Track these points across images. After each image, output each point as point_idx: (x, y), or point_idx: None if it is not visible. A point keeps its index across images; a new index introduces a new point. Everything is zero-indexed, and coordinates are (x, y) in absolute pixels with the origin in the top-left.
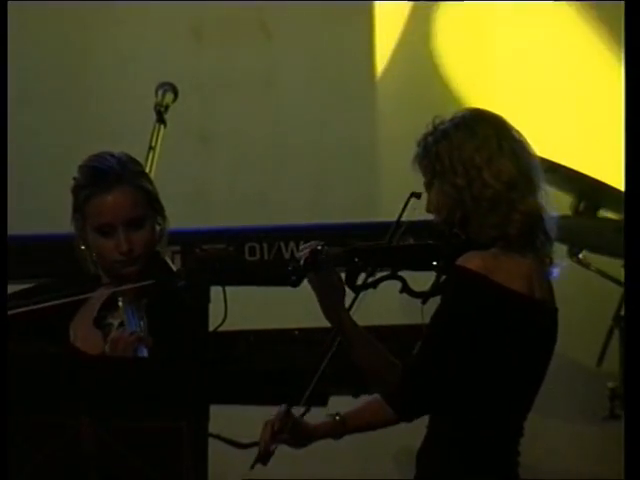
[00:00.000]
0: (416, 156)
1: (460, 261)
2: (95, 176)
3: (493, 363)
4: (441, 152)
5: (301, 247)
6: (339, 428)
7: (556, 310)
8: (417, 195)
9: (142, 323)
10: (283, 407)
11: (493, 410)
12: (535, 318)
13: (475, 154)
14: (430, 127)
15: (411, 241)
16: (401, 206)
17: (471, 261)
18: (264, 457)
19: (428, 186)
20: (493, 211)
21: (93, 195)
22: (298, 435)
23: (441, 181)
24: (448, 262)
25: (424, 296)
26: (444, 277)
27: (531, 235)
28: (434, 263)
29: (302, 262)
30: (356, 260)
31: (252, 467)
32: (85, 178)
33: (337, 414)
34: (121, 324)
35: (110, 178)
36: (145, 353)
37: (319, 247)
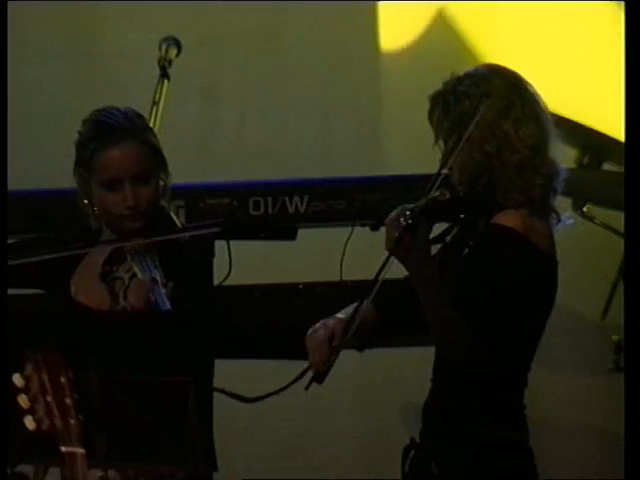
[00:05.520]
0: (432, 114)
1: (500, 220)
2: (102, 130)
3: (520, 319)
4: (465, 116)
5: (392, 216)
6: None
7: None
8: (487, 94)
9: (158, 270)
10: (336, 319)
11: (512, 363)
12: (555, 276)
13: (502, 119)
14: (447, 85)
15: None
16: (406, 160)
17: (511, 219)
18: (322, 376)
19: (445, 144)
20: (519, 176)
21: (100, 149)
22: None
23: (467, 146)
24: (474, 215)
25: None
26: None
27: (550, 195)
28: (461, 215)
29: (400, 229)
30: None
31: (307, 388)
32: (92, 132)
33: None
34: (133, 276)
35: (118, 132)
36: (165, 298)
37: (409, 212)
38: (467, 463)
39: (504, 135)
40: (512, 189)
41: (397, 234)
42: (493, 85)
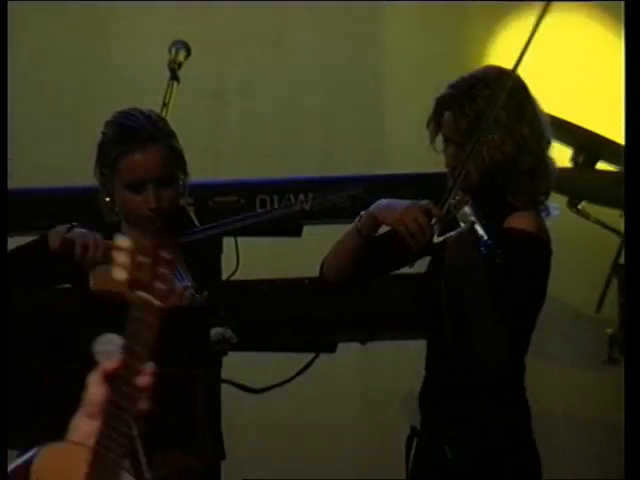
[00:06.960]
0: (439, 116)
1: (515, 223)
2: (126, 133)
3: (534, 312)
4: (482, 116)
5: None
6: None
7: None
8: None
9: (187, 276)
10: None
11: (518, 351)
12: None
13: (517, 122)
14: (458, 87)
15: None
16: (408, 158)
17: (525, 222)
18: (422, 245)
19: (458, 145)
20: (531, 178)
21: (125, 152)
22: None
23: (486, 146)
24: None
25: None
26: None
27: (549, 194)
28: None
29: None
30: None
31: (412, 265)
32: (116, 134)
33: None
34: None
35: (142, 136)
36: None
37: (491, 243)
38: (479, 448)
39: (520, 137)
40: (524, 190)
41: (480, 260)
42: (505, 87)
